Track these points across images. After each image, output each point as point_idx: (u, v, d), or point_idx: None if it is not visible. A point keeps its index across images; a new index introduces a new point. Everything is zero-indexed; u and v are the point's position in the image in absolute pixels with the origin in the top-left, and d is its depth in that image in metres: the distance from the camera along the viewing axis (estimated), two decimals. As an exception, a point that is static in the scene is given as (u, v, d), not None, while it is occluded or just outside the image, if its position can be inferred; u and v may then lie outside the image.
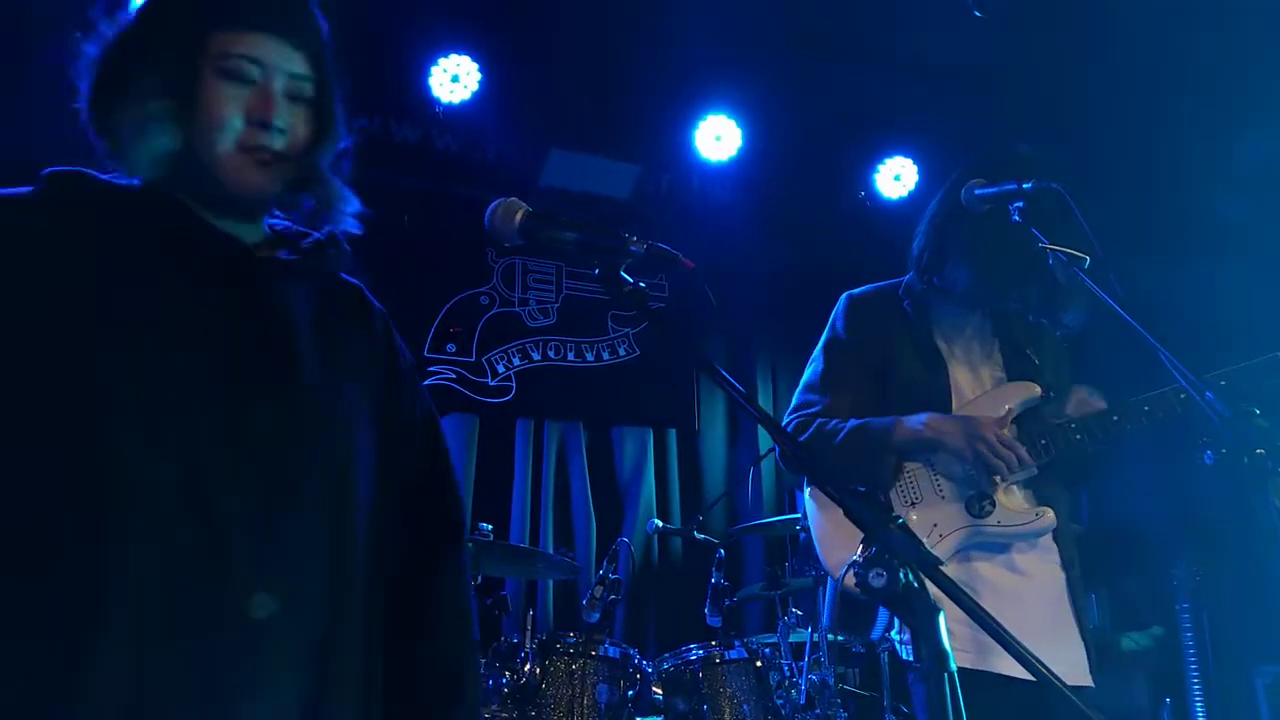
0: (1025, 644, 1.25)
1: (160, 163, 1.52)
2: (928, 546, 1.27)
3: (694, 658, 4.05)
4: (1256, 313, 4.45)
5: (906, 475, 2.64)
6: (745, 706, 3.93)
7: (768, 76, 5.65)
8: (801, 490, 3.06)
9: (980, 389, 2.69)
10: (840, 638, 4.25)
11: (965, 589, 1.28)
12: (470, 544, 3.89)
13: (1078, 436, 2.56)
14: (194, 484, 1.38)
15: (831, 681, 3.89)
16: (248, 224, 1.63)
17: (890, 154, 6.32)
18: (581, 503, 6.10)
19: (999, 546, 2.57)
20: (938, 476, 2.62)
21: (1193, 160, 5.12)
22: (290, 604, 1.42)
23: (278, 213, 1.69)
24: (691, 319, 6.43)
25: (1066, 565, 2.60)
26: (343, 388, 1.61)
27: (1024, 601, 2.49)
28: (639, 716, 4.04)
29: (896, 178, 6.33)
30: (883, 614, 2.69)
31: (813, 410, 2.71)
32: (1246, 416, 1.96)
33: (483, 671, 3.81)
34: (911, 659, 2.49)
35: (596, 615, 4.13)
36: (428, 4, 5.26)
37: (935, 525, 2.56)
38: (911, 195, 6.27)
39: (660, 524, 5.16)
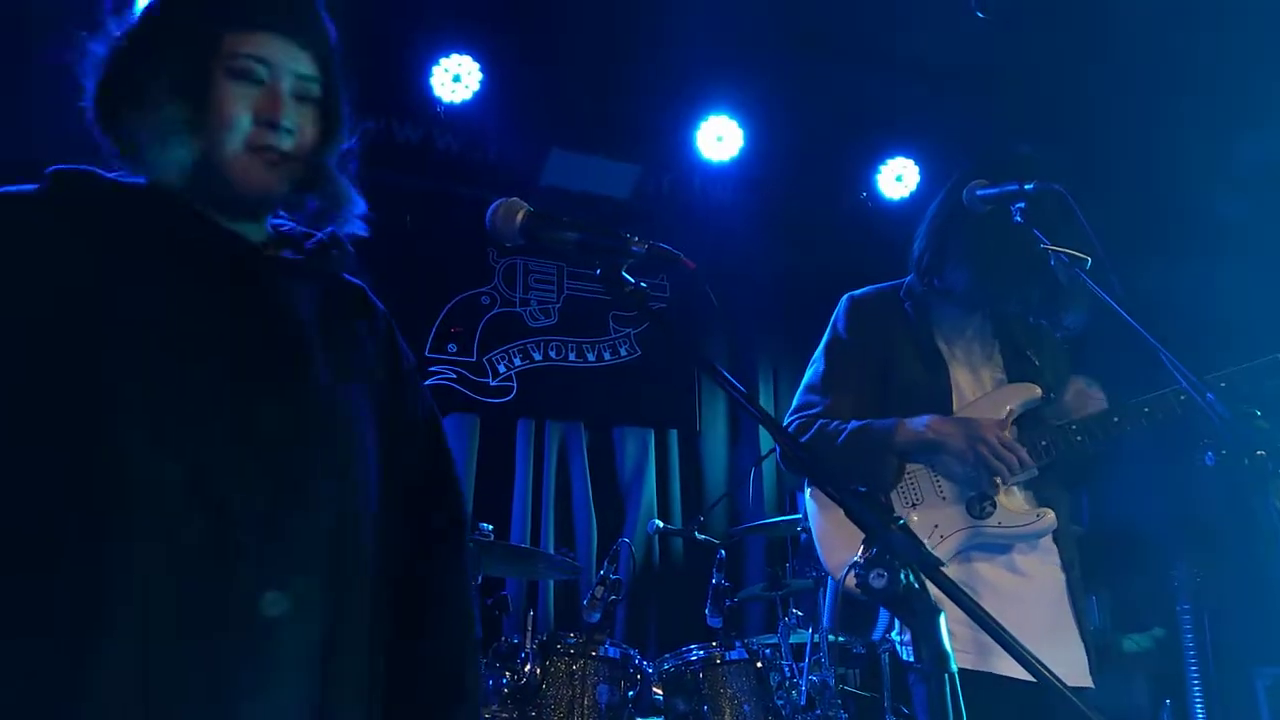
0: (1025, 645, 1.25)
1: (171, 163, 1.52)
2: (928, 548, 1.27)
3: (694, 658, 4.05)
4: (1256, 313, 4.45)
5: (908, 476, 2.64)
6: (746, 707, 3.93)
7: (770, 77, 5.65)
8: (802, 491, 3.06)
9: (981, 390, 2.70)
10: (841, 639, 4.24)
11: (966, 590, 1.28)
12: (471, 544, 3.89)
13: (1078, 438, 2.56)
14: (201, 482, 1.38)
15: (832, 682, 3.89)
16: (252, 224, 1.63)
17: (892, 154, 6.32)
18: (582, 503, 6.10)
19: (999, 547, 2.57)
20: (939, 478, 2.62)
21: (1193, 160, 5.13)
22: (296, 603, 1.42)
23: (281, 213, 1.69)
24: (693, 319, 6.42)
25: (1067, 566, 2.60)
26: (348, 388, 1.61)
27: (1024, 602, 2.49)
28: (639, 717, 4.04)
29: (898, 178, 6.33)
30: (883, 615, 2.69)
31: (814, 411, 2.71)
32: (1247, 418, 1.97)
33: (483, 671, 3.81)
34: (912, 660, 2.49)
35: (597, 616, 4.13)
36: (429, 4, 5.26)
37: (936, 526, 2.56)
38: (913, 196, 6.27)
39: (661, 524, 5.16)
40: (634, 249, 1.52)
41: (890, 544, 1.26)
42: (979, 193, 2.53)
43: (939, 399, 2.66)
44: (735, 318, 6.71)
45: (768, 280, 6.63)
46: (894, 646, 2.63)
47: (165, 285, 1.47)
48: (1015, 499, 2.59)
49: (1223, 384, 2.39)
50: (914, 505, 2.61)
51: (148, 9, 1.60)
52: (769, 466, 6.33)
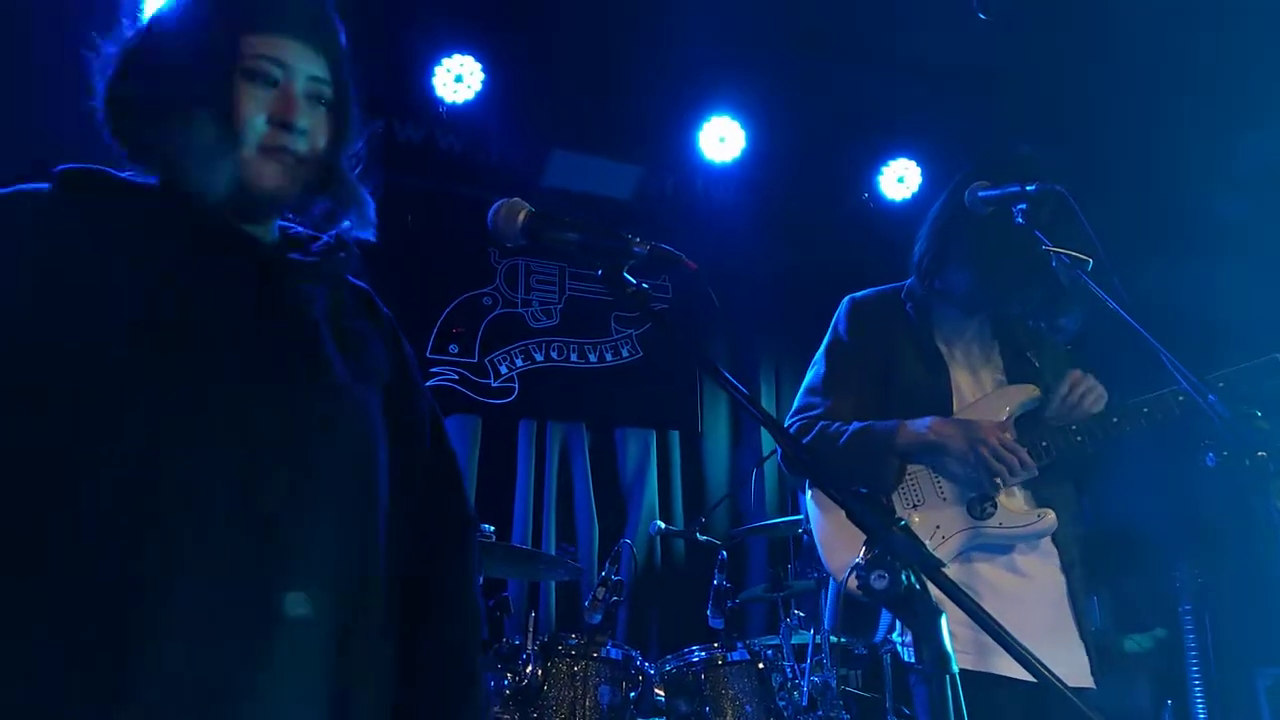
0: (1026, 645, 1.25)
1: (184, 163, 1.53)
2: (930, 549, 1.27)
3: (696, 659, 4.05)
4: (1256, 313, 4.45)
5: (909, 478, 2.64)
6: (747, 708, 3.93)
7: (772, 78, 5.66)
8: (804, 492, 3.07)
9: (980, 392, 2.70)
10: (843, 640, 4.24)
11: (966, 591, 1.28)
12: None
13: (1078, 438, 2.57)
14: (233, 482, 1.39)
15: (834, 683, 3.89)
16: (261, 225, 1.64)
17: (894, 156, 6.32)
18: (584, 504, 6.10)
19: (1000, 548, 2.57)
20: (939, 479, 2.62)
21: (1193, 160, 5.13)
22: (322, 602, 1.43)
23: (289, 215, 1.70)
24: (695, 320, 6.41)
25: (1068, 567, 2.60)
26: (361, 388, 1.62)
27: (1025, 603, 2.50)
28: (641, 718, 4.04)
29: (900, 180, 6.33)
30: (885, 616, 2.69)
31: (815, 413, 2.71)
32: (1248, 419, 1.97)
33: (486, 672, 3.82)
34: (914, 661, 2.49)
35: (599, 617, 4.14)
36: (431, 4, 5.27)
37: (938, 527, 2.57)
38: (915, 197, 6.27)
39: (663, 525, 5.16)
40: (636, 250, 1.52)
41: (891, 545, 1.26)
42: (980, 194, 2.53)
43: (939, 401, 2.66)
44: (737, 319, 6.70)
45: (769, 281, 6.62)
46: (895, 648, 2.63)
47: (185, 286, 1.48)
48: (1016, 500, 2.60)
49: (1221, 384, 2.40)
50: (915, 506, 2.61)
51: (163, 9, 1.60)
52: (770, 467, 6.33)
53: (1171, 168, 5.19)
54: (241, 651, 1.35)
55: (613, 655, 3.97)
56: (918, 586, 1.25)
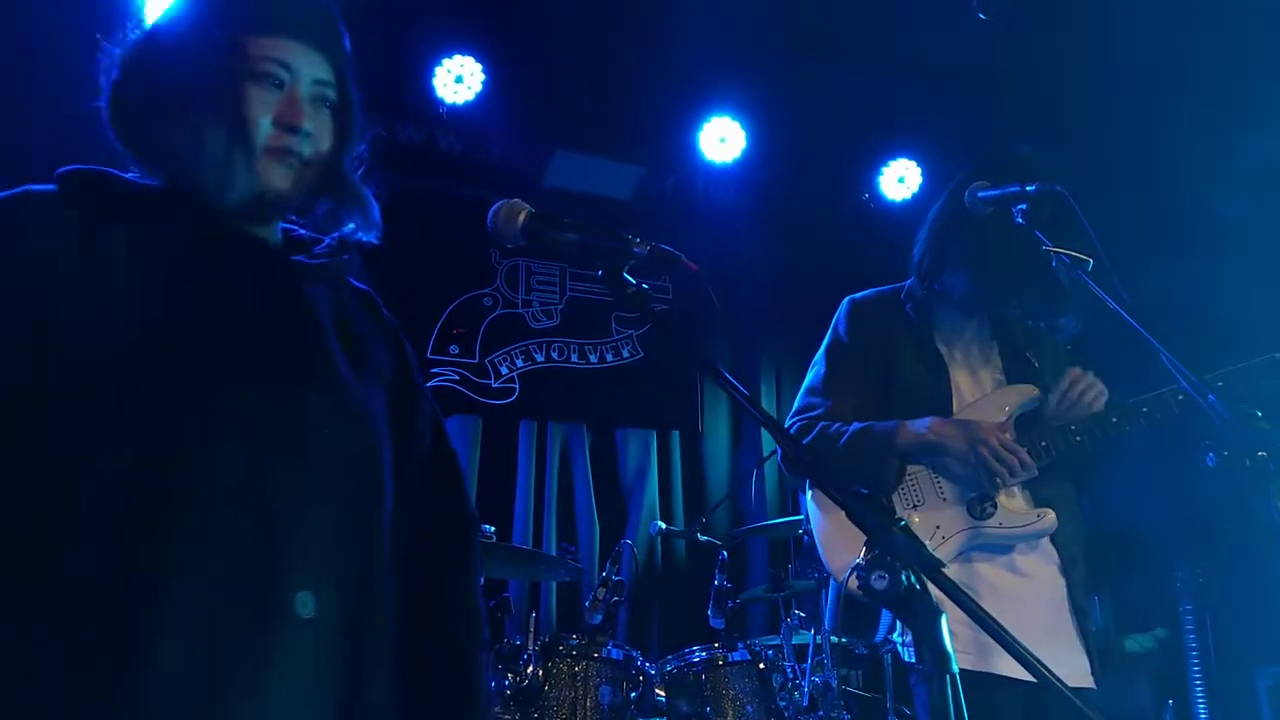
0: (1026, 645, 1.25)
1: (189, 165, 1.53)
2: (930, 549, 1.27)
3: (697, 660, 4.05)
4: (1256, 313, 4.45)
5: (909, 478, 2.64)
6: (748, 708, 3.93)
7: (772, 78, 5.66)
8: (804, 493, 3.07)
9: (980, 392, 2.70)
10: (843, 640, 4.24)
11: (966, 591, 1.28)
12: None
13: (1077, 438, 2.57)
14: (246, 482, 1.39)
15: (834, 683, 3.89)
16: (265, 227, 1.64)
17: (895, 156, 6.32)
18: (585, 505, 6.10)
19: (1000, 548, 2.57)
20: (939, 479, 2.62)
21: (1193, 160, 5.13)
22: (331, 601, 1.43)
23: (292, 217, 1.70)
24: (695, 321, 6.41)
25: (1068, 567, 2.60)
26: (367, 388, 1.62)
27: (1024, 603, 2.50)
28: (642, 718, 4.04)
29: (901, 180, 6.32)
30: (886, 616, 2.70)
31: (815, 413, 2.71)
32: (1248, 419, 1.97)
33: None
34: (914, 661, 2.50)
35: (599, 617, 4.14)
36: (432, 5, 5.27)
37: (938, 528, 2.57)
38: (916, 198, 6.26)
39: (663, 526, 5.16)
40: (636, 250, 1.52)
41: (892, 545, 1.26)
42: (980, 194, 2.53)
43: (939, 401, 2.66)
44: (737, 319, 6.70)
45: (770, 281, 6.62)
46: (896, 648, 2.64)
47: (190, 286, 1.48)
48: (1016, 500, 2.60)
49: (1220, 384, 2.40)
50: (915, 507, 2.61)
51: (170, 12, 1.60)
52: (771, 468, 6.33)
53: (1171, 168, 5.19)
54: (245, 651, 1.34)
55: (613, 655, 3.97)
56: (918, 587, 1.25)
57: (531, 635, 4.07)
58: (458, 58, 5.44)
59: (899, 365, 2.74)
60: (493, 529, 4.20)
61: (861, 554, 1.28)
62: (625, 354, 6.49)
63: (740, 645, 4.09)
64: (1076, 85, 5.19)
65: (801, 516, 4.60)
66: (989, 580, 2.53)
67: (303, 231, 1.72)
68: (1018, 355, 2.75)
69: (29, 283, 1.40)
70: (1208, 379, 2.32)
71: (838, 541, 2.65)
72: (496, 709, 3.82)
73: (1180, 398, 2.46)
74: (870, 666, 4.58)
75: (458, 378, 5.99)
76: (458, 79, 5.45)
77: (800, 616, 4.54)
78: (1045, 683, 1.25)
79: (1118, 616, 5.50)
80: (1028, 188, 2.42)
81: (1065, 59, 5.07)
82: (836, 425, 2.64)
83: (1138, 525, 5.26)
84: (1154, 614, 5.37)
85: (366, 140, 1.73)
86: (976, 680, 2.33)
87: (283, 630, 1.38)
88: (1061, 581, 2.58)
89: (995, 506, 2.55)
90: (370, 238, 1.72)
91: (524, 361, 6.20)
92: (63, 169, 1.53)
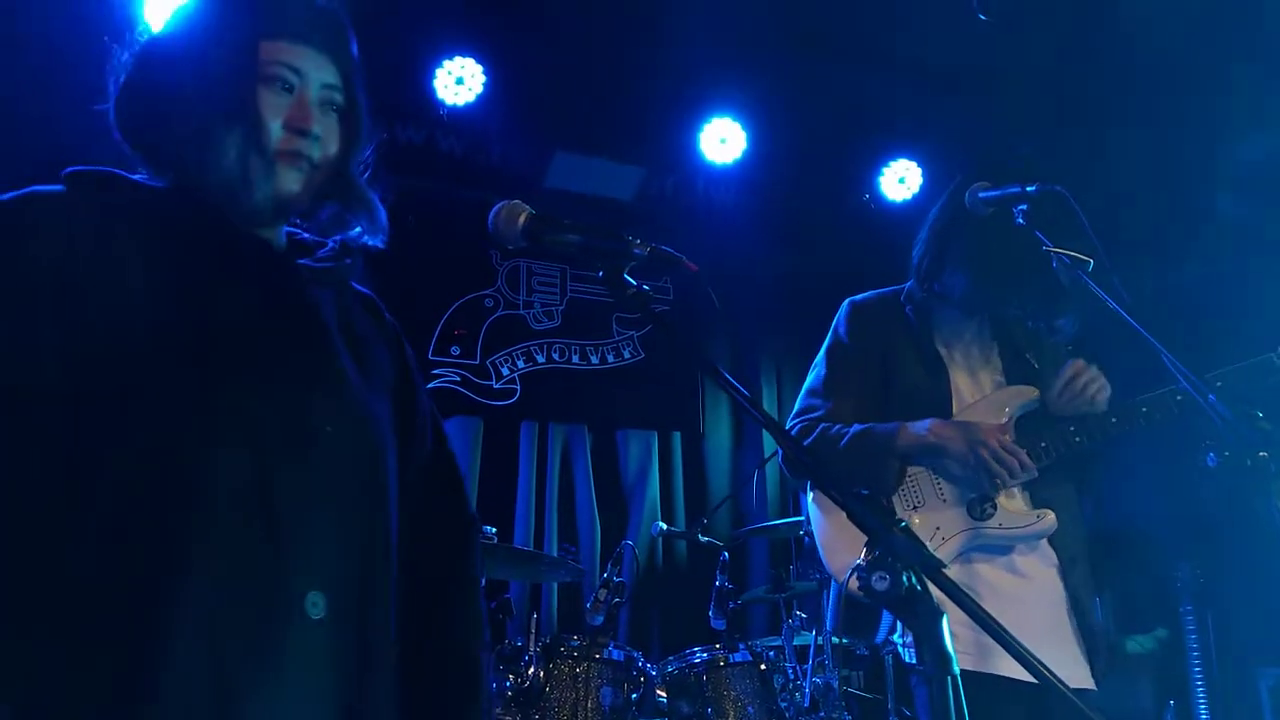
0: (1026, 645, 1.25)
1: (197, 166, 1.53)
2: (930, 550, 1.27)
3: (698, 661, 4.05)
4: (1256, 313, 4.45)
5: (909, 479, 2.65)
6: (749, 709, 3.93)
7: (773, 79, 5.65)
8: (805, 494, 3.07)
9: (979, 393, 2.70)
10: (844, 641, 4.25)
11: (967, 591, 1.28)
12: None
13: (1077, 439, 2.57)
14: (254, 484, 1.39)
15: (836, 684, 3.89)
16: (271, 229, 1.64)
17: (895, 157, 6.31)
18: (586, 506, 6.10)
19: (1000, 549, 2.57)
20: (940, 480, 2.62)
21: (1193, 160, 5.12)
22: (337, 603, 1.43)
23: (296, 220, 1.70)
24: (696, 322, 6.41)
25: (1068, 567, 2.60)
26: (372, 391, 1.62)
27: (1024, 603, 2.50)
28: (643, 719, 4.04)
29: (901, 181, 6.31)
30: (887, 617, 2.70)
31: (816, 415, 2.72)
32: (1249, 419, 1.97)
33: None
34: (915, 662, 2.49)
35: (600, 618, 4.14)
36: (433, 6, 5.27)
37: (938, 529, 2.57)
38: (916, 198, 6.25)
39: (665, 527, 5.16)
40: (636, 251, 1.52)
41: (892, 546, 1.26)
42: (981, 195, 2.53)
43: (939, 403, 2.66)
44: (738, 320, 6.70)
45: (770, 282, 6.62)
46: (897, 649, 2.64)
47: (197, 288, 1.48)
48: (1015, 501, 2.60)
49: (1220, 384, 2.40)
50: (916, 508, 2.61)
51: (179, 15, 1.61)
52: (772, 469, 6.33)
53: (1171, 168, 5.19)
54: (251, 652, 1.35)
55: (615, 656, 3.97)
56: (919, 587, 1.25)
57: (533, 636, 4.07)
58: (458, 59, 5.44)
59: (899, 367, 2.74)
60: (494, 530, 4.20)
61: (862, 555, 1.28)
62: (626, 355, 6.49)
63: (741, 646, 4.08)
64: (1076, 85, 5.18)
65: (802, 518, 4.60)
66: (989, 581, 2.53)
67: (306, 235, 1.73)
68: (1018, 356, 2.75)
69: (35, 283, 1.40)
70: (1207, 379, 2.32)
71: (839, 542, 2.65)
72: (497, 710, 3.82)
73: (1180, 398, 2.46)
74: (871, 667, 4.58)
75: (459, 379, 5.99)
76: (458, 80, 5.45)
77: (801, 617, 4.54)
78: (1046, 683, 1.25)
79: (1118, 617, 5.50)
80: (1028, 188, 2.42)
81: (1065, 59, 5.07)
82: (837, 427, 2.64)
83: (1138, 525, 5.27)
84: (1154, 614, 5.37)
85: (373, 145, 1.73)
86: (977, 681, 2.33)
87: (292, 631, 1.38)
88: (1060, 583, 2.58)
89: (995, 507, 2.56)
90: (377, 242, 1.73)
91: (525, 362, 6.20)
92: (70, 169, 1.53)
